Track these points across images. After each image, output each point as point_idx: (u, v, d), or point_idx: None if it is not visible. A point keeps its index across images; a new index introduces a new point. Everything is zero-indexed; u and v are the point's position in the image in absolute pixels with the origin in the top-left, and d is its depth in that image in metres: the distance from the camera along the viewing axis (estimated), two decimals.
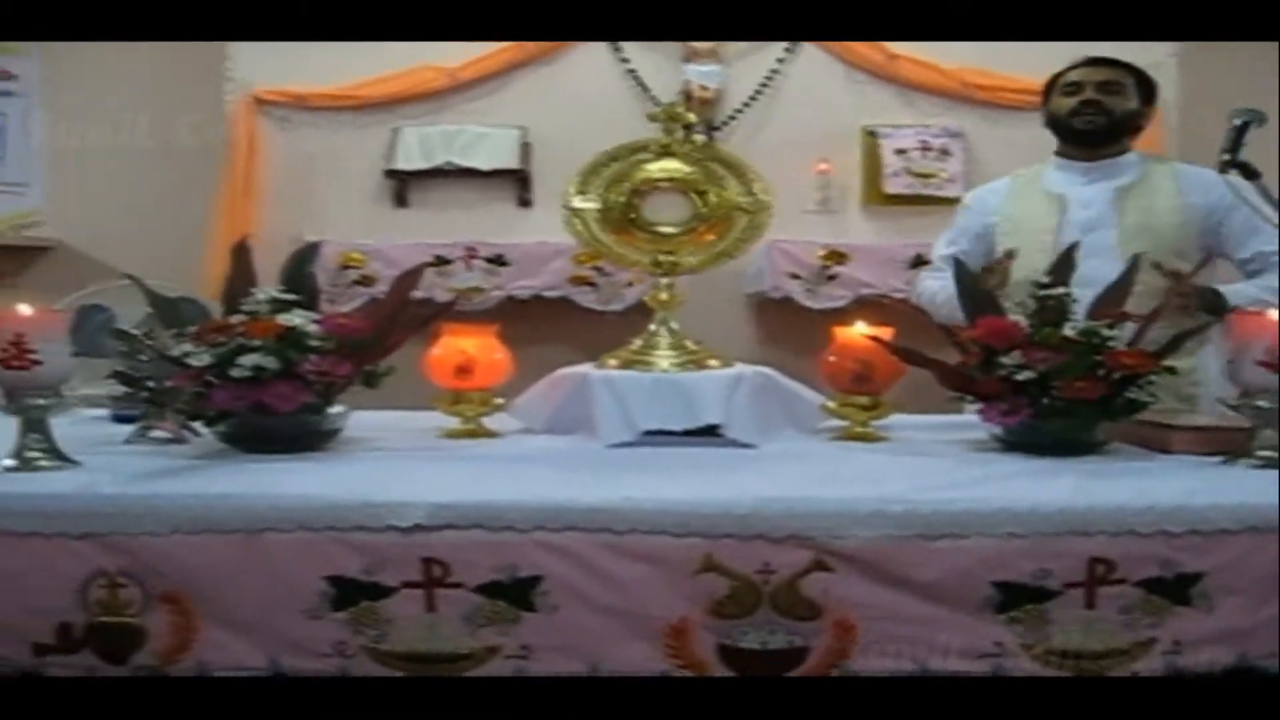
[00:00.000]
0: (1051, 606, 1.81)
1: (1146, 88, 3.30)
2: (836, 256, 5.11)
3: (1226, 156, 2.89)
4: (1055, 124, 3.31)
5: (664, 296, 2.50)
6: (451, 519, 1.81)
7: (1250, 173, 2.85)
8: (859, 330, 2.42)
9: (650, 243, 2.48)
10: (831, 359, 2.44)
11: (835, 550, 1.80)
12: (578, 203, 2.50)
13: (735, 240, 2.50)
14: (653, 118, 2.52)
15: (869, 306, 4.87)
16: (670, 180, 2.45)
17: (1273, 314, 2.08)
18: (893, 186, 5.19)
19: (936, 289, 3.27)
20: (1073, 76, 3.27)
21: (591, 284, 5.14)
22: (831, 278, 5.08)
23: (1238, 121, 2.89)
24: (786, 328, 5.07)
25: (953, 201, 5.22)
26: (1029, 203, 3.28)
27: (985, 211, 3.37)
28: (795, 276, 5.09)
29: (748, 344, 5.21)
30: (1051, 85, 3.34)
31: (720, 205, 2.46)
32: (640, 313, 2.67)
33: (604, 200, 2.48)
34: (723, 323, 5.01)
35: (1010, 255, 3.06)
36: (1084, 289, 2.36)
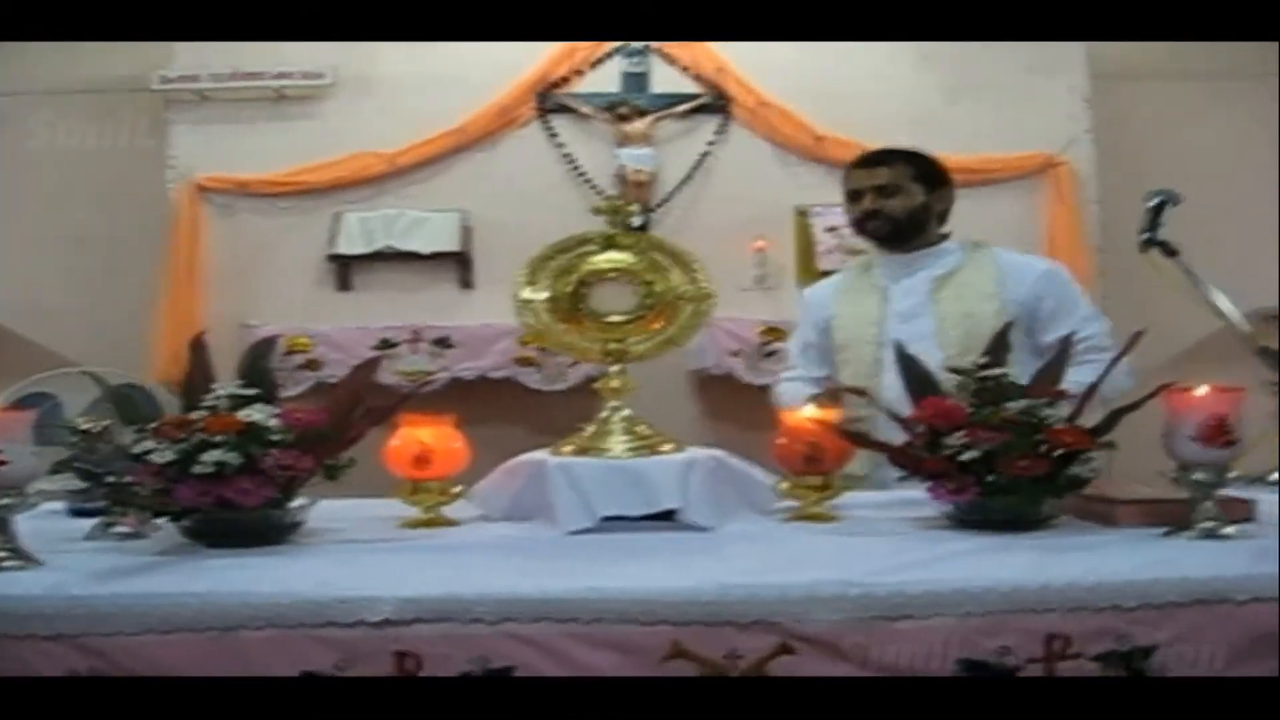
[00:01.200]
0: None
1: (931, 173, 3.38)
2: (775, 333, 5.20)
3: (1145, 236, 3.01)
4: (854, 229, 3.47)
5: (615, 384, 2.55)
6: (420, 612, 1.83)
7: (1169, 251, 2.97)
8: (807, 413, 2.49)
9: (599, 331, 2.54)
10: (782, 441, 2.49)
11: (800, 634, 1.84)
12: (527, 294, 2.56)
13: (681, 328, 2.56)
14: (597, 210, 2.59)
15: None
16: (616, 271, 2.52)
17: (1202, 390, 2.16)
18: (827, 263, 5.30)
19: (791, 395, 3.34)
20: (851, 183, 3.40)
21: (536, 364, 5.20)
22: (771, 354, 5.17)
23: (1153, 202, 3.01)
24: (730, 403, 5.15)
25: None
26: (857, 296, 3.39)
27: (821, 307, 3.48)
28: (736, 353, 5.18)
29: (692, 420, 5.29)
30: (843, 186, 3.46)
31: (665, 294, 2.52)
32: (584, 392, 2.73)
33: (553, 291, 2.54)
34: (667, 399, 5.08)
35: (836, 395, 3.16)
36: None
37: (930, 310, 3.26)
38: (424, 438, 2.44)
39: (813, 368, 3.46)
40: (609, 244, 2.55)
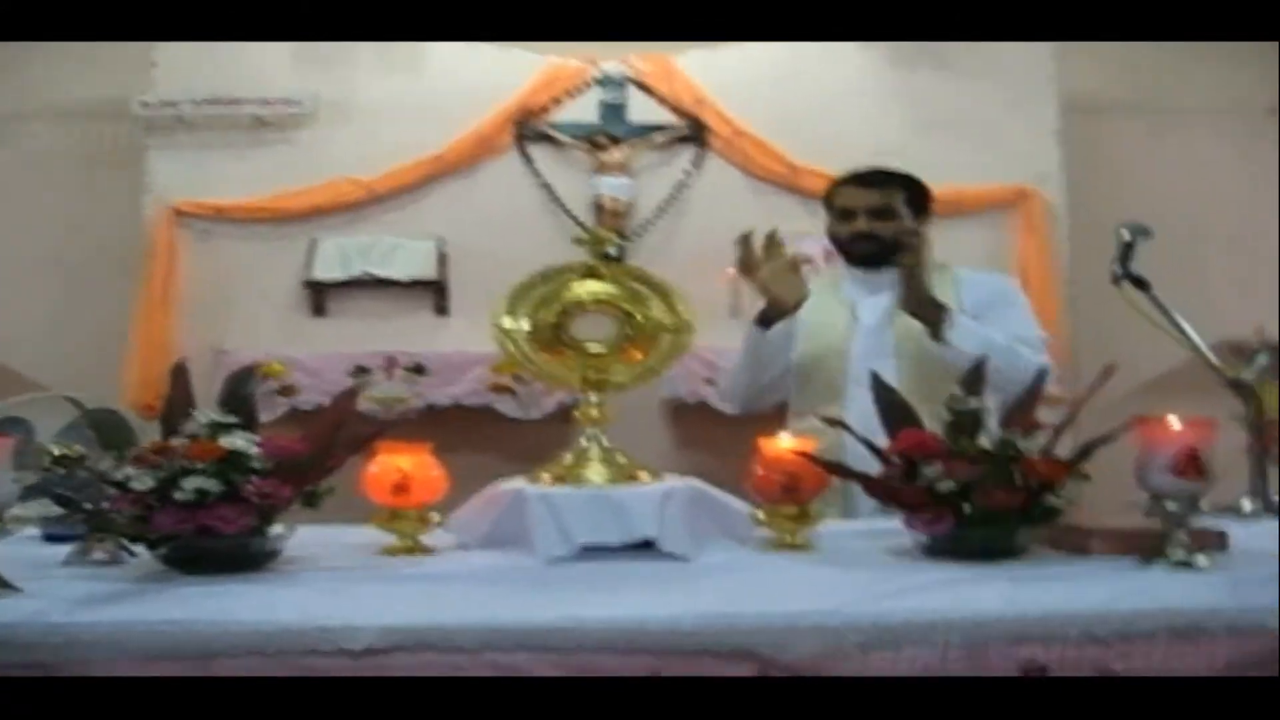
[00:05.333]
0: None
1: (921, 198, 3.43)
2: None
3: (1117, 269, 3.04)
4: (835, 244, 3.48)
5: (594, 413, 2.56)
6: (401, 641, 1.84)
7: (1140, 284, 3.00)
8: (783, 443, 2.51)
9: (579, 361, 2.56)
10: (759, 472, 2.51)
11: (779, 663, 1.85)
12: (507, 323, 2.57)
13: (661, 357, 2.58)
14: (577, 241, 2.61)
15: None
16: (597, 301, 2.54)
17: (1175, 423, 2.19)
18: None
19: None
20: (846, 201, 3.41)
21: (511, 391, 5.19)
22: None
23: (1126, 236, 3.04)
24: (704, 432, 5.15)
25: None
26: (826, 308, 3.40)
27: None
28: (710, 381, 5.18)
29: (666, 448, 5.29)
30: (829, 200, 3.48)
31: (645, 325, 2.55)
32: (560, 420, 2.74)
33: (533, 320, 2.56)
34: (641, 427, 5.07)
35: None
36: (867, 389, 2.54)
37: (891, 328, 3.30)
38: (402, 465, 2.45)
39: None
40: (590, 274, 2.57)
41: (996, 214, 5.62)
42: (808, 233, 5.42)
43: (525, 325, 2.56)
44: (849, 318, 3.37)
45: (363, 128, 5.37)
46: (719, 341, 5.22)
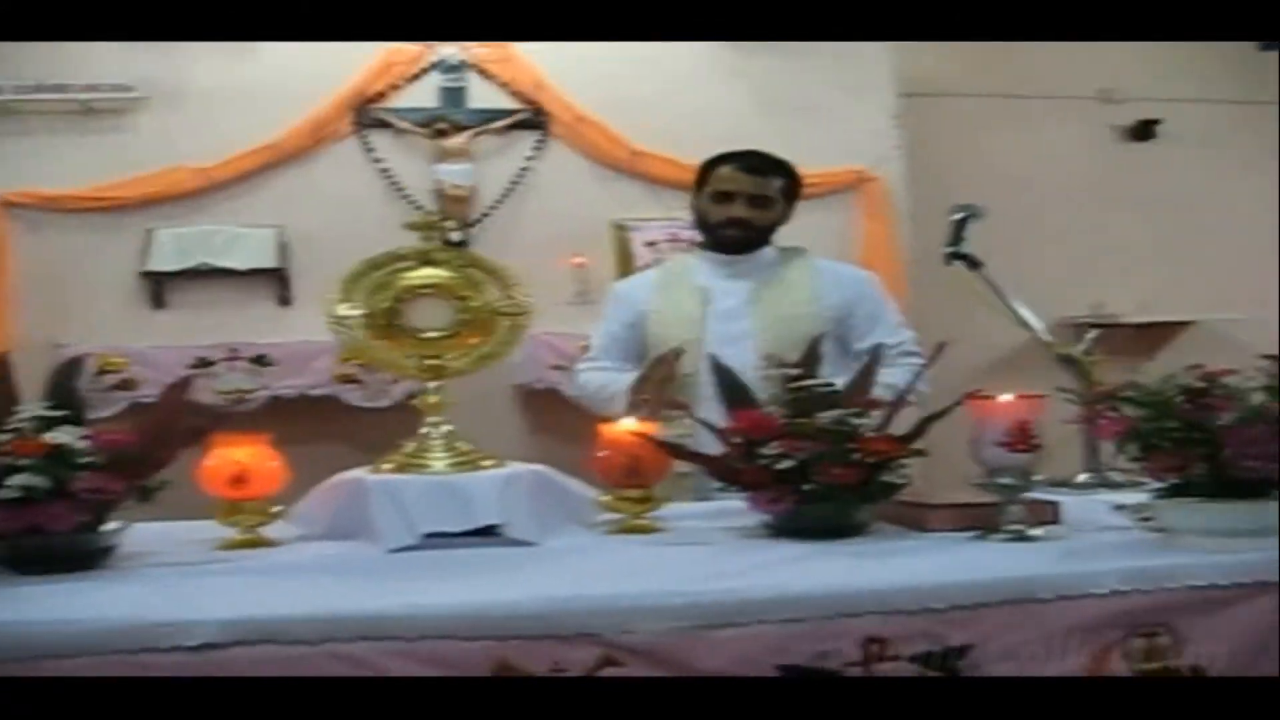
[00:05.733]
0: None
1: (793, 189, 3.42)
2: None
3: (949, 249, 3.10)
4: (703, 224, 3.41)
5: (433, 400, 2.54)
6: (241, 635, 1.80)
7: (973, 264, 3.07)
8: (625, 426, 2.51)
9: (416, 348, 2.53)
10: (602, 455, 2.51)
11: (623, 645, 1.85)
12: (342, 310, 2.54)
13: (499, 343, 2.57)
14: (412, 226, 2.58)
15: None
16: (432, 287, 2.51)
17: (1005, 398, 2.25)
18: None
19: (600, 382, 3.36)
20: (725, 184, 3.33)
21: (357, 381, 5.13)
22: None
23: (957, 216, 3.10)
24: (553, 417, 5.15)
25: None
26: (677, 294, 3.37)
27: (635, 302, 3.44)
28: (558, 368, 5.17)
29: (516, 434, 5.29)
30: (703, 178, 3.40)
31: (482, 310, 2.53)
32: (407, 409, 2.71)
33: (368, 307, 2.52)
34: (491, 415, 5.06)
35: (678, 353, 3.15)
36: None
37: (750, 313, 3.29)
38: (240, 457, 2.40)
39: (616, 362, 3.40)
40: (424, 260, 2.54)
41: (837, 197, 5.70)
42: (650, 218, 5.50)
43: (360, 313, 2.52)
44: (702, 304, 3.33)
45: (198, 114, 5.24)
46: (565, 327, 5.25)
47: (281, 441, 2.49)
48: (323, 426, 4.92)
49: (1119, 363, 3.18)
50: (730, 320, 3.28)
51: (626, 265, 5.39)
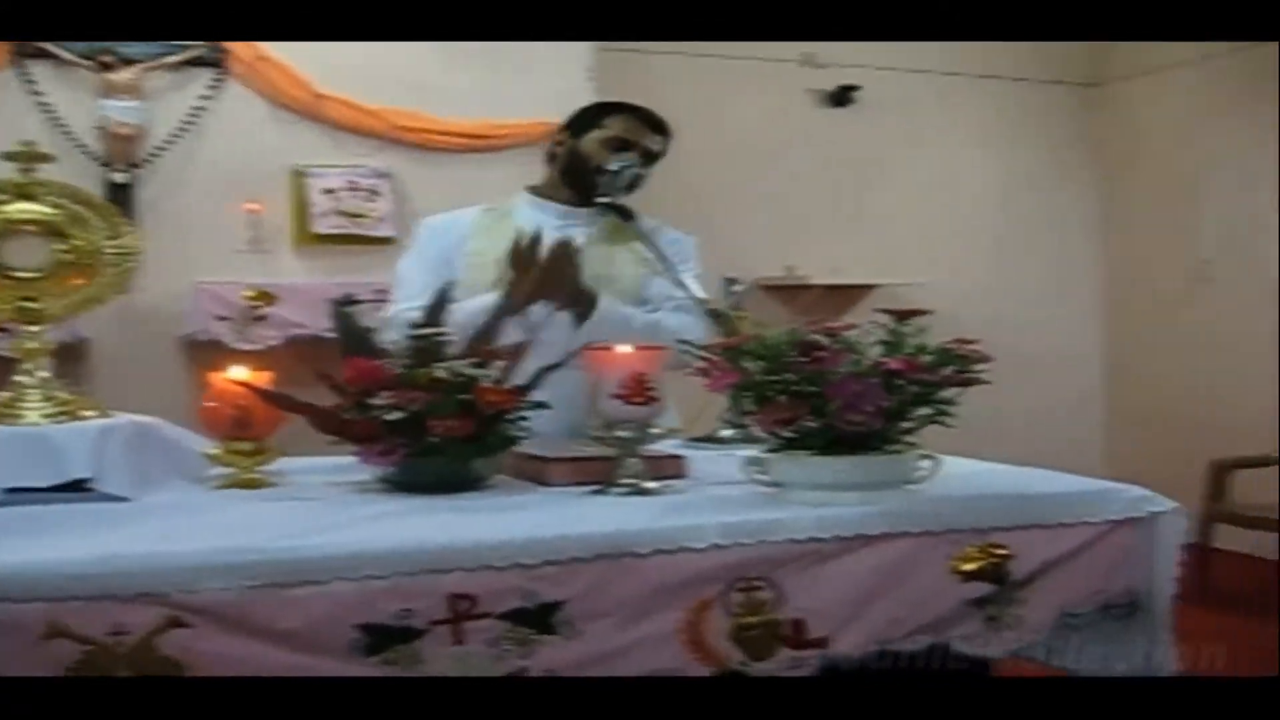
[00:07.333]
0: (421, 645, 1.82)
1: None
2: (265, 297, 5.05)
3: (603, 196, 3.05)
4: (576, 166, 3.20)
5: (32, 345, 2.36)
6: None
7: (626, 214, 3.03)
8: (234, 375, 2.38)
9: (12, 289, 2.33)
10: (209, 405, 2.38)
11: (189, 605, 1.73)
12: None
13: (104, 286, 2.39)
14: (8, 156, 2.37)
15: (299, 346, 4.87)
16: (30, 223, 2.32)
17: (624, 349, 2.20)
18: (322, 226, 5.20)
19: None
20: (627, 133, 3.16)
21: (4, 330, 4.81)
22: (260, 319, 5.01)
23: (614, 167, 3.05)
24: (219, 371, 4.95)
25: (384, 241, 5.31)
26: (500, 237, 3.13)
27: (450, 241, 3.21)
28: (223, 318, 4.98)
29: (182, 388, 5.04)
30: (588, 122, 3.22)
31: (86, 249, 2.35)
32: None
33: None
34: (154, 366, 4.86)
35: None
36: (554, 331, 2.55)
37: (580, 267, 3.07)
38: None
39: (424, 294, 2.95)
40: (21, 194, 2.34)
41: (529, 150, 5.62)
42: (331, 165, 5.33)
43: None
44: None
45: None
46: (237, 276, 5.07)
47: None
48: None
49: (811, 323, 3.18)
50: None
51: (304, 212, 5.24)
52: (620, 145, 3.14)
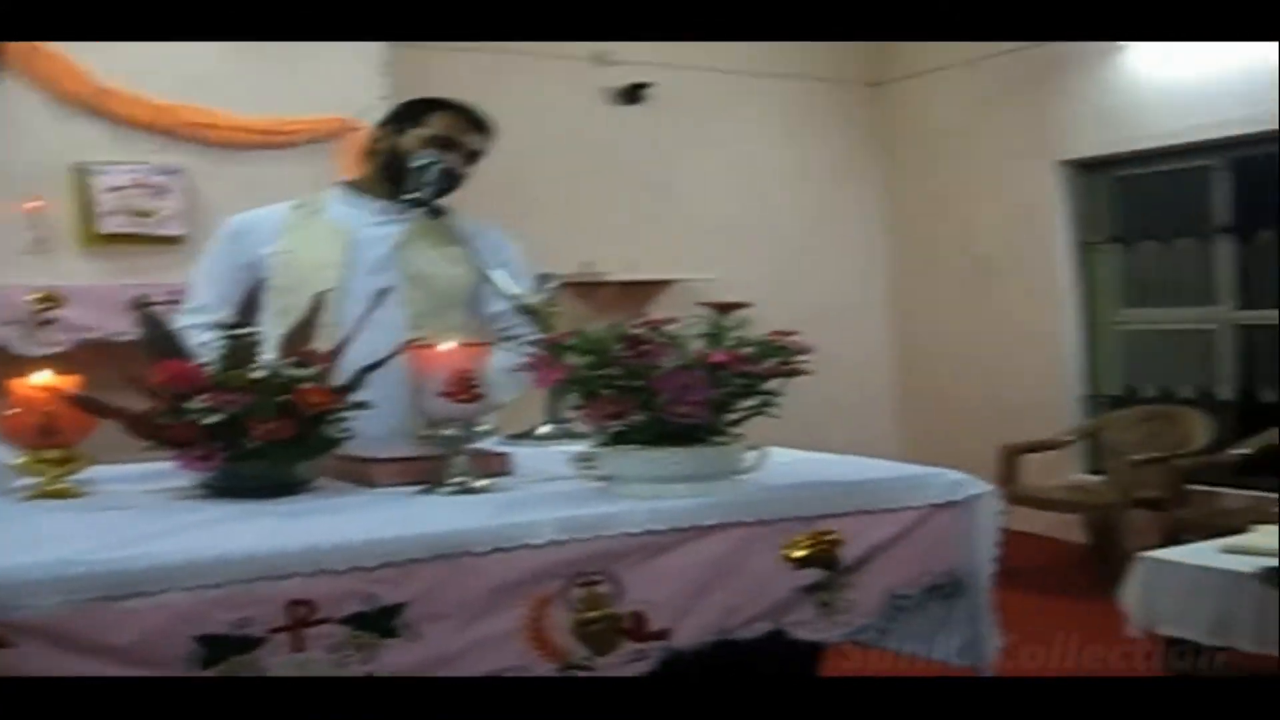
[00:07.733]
0: (260, 654, 1.77)
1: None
2: (52, 300, 4.87)
3: (415, 195, 2.99)
4: (394, 163, 3.10)
5: None
6: None
7: (436, 211, 3.00)
8: (38, 380, 2.28)
9: None
10: (11, 413, 2.27)
11: (10, 624, 1.65)
12: None
13: None
14: None
15: (91, 350, 4.70)
16: None
17: (446, 346, 2.18)
18: (109, 225, 5.03)
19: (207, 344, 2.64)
20: (450, 132, 3.10)
21: None
22: (48, 322, 4.82)
23: (419, 163, 3.00)
24: (5, 377, 4.75)
25: (174, 240, 5.16)
26: (311, 235, 3.07)
27: (256, 241, 3.08)
28: (8, 323, 4.78)
29: None
30: (412, 118, 3.14)
31: None
32: None
33: None
34: None
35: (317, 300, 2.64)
36: (375, 332, 2.44)
37: (396, 265, 3.03)
38: None
39: (216, 304, 2.89)
40: None
41: (321, 146, 5.54)
42: (116, 161, 5.15)
43: None
44: (344, 248, 3.03)
45: None
46: (19, 277, 4.87)
47: None
48: None
49: (606, 318, 3.19)
50: (376, 272, 2.99)
51: (88, 211, 5.06)
52: (442, 144, 3.08)
